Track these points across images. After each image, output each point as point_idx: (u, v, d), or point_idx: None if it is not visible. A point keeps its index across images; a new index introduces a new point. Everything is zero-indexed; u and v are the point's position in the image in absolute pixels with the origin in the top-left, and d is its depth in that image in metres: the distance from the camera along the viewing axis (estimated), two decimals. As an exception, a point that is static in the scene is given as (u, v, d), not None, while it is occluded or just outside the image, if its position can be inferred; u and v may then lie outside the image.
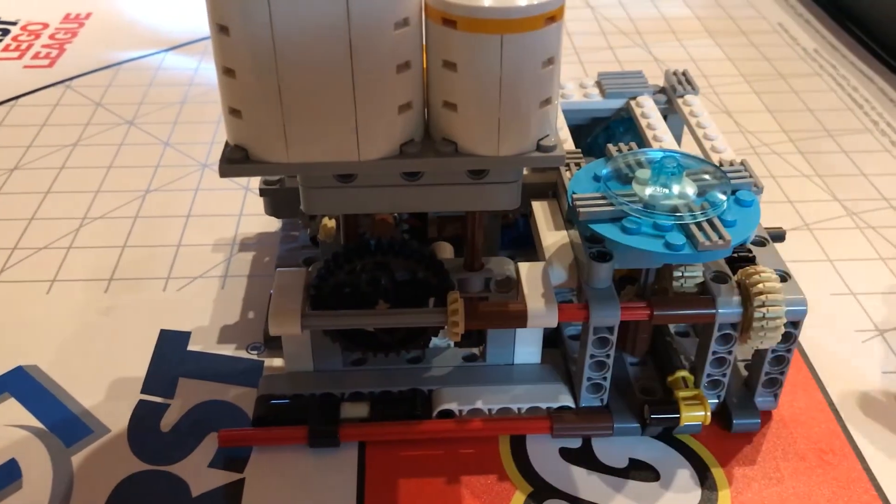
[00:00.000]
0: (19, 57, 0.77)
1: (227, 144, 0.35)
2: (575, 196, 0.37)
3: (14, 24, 0.83)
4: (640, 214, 0.36)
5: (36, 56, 0.77)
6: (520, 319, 0.38)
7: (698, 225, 0.36)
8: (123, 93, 0.71)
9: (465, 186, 0.36)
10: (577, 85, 0.52)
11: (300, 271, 0.39)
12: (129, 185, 0.59)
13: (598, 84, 0.52)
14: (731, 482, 0.38)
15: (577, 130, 0.50)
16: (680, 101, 0.50)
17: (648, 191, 0.37)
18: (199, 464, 0.39)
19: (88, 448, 0.39)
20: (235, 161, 0.34)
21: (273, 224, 0.54)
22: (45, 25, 0.83)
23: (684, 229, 0.36)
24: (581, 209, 0.36)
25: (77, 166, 0.61)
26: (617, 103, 0.51)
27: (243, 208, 0.56)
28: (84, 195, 0.58)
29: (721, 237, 0.35)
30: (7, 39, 0.80)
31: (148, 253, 0.52)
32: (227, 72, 0.33)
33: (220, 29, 0.32)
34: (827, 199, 0.58)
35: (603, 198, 0.37)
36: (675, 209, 0.36)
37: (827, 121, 0.68)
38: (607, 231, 0.36)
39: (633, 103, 0.50)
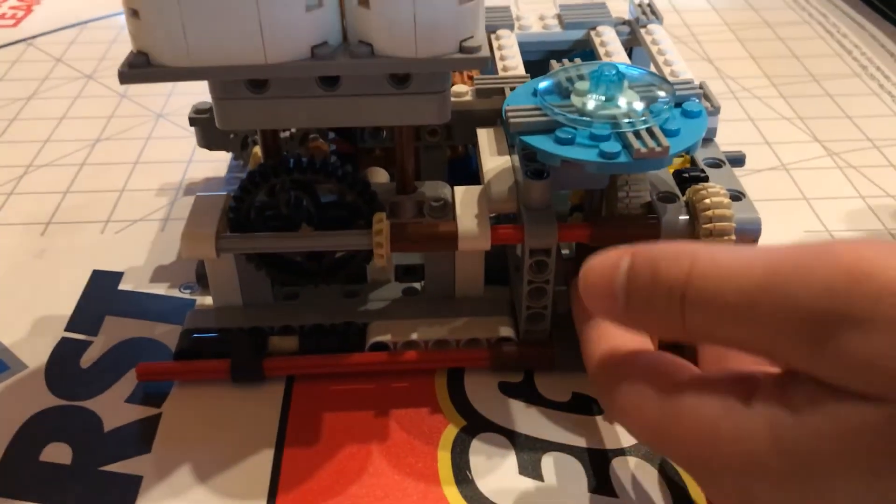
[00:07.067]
0: (-16, 18, 0.75)
1: (131, 52, 0.33)
2: (507, 108, 0.35)
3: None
4: (575, 124, 0.33)
5: (2, 17, 0.75)
6: (450, 241, 0.35)
7: (636, 133, 0.33)
8: (86, 49, 0.69)
9: (388, 97, 0.34)
10: (536, 17, 0.50)
11: (219, 196, 0.37)
12: (80, 135, 0.57)
13: (559, 16, 0.49)
14: (681, 416, 0.35)
15: (536, 66, 0.47)
16: (643, 30, 0.47)
17: (588, 103, 0.35)
18: (116, 399, 0.36)
19: (2, 384, 0.37)
20: (136, 66, 0.32)
21: (221, 169, 0.52)
22: (15, -13, 0.81)
23: (622, 138, 0.33)
24: (512, 120, 0.34)
25: (29, 118, 0.59)
26: (576, 34, 0.48)
27: (193, 155, 0.54)
28: (33, 144, 0.56)
29: (659, 144, 0.32)
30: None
31: (90, 198, 0.50)
32: (121, -33, 0.30)
33: (110, -82, 0.29)
34: (807, 141, 0.55)
35: (537, 109, 0.34)
36: (613, 118, 0.34)
37: (813, 66, 0.64)
38: (540, 143, 0.33)
39: (592, 33, 0.48)
